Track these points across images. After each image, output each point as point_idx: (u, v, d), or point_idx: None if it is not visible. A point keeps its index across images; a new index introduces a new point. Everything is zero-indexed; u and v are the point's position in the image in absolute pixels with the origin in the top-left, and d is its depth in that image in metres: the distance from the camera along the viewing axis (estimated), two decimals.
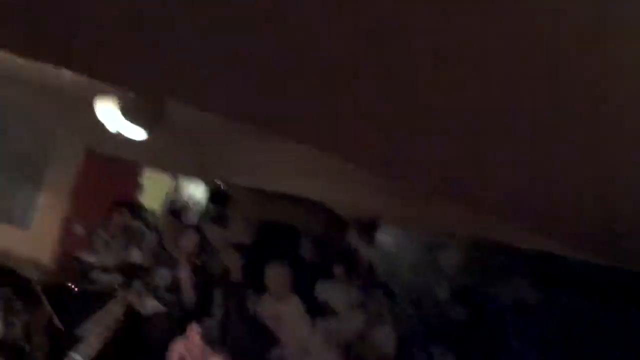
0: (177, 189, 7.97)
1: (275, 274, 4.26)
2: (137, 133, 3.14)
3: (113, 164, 5.14)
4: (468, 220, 2.99)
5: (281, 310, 4.20)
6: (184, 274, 4.65)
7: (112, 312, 2.11)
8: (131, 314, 4.58)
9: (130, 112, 3.03)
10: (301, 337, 4.09)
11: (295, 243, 5.70)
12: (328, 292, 4.77)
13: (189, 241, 5.04)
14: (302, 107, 1.79)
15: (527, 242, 2.99)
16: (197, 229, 5.40)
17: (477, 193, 2.14)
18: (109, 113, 3.09)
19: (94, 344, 1.97)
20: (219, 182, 5.91)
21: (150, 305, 4.71)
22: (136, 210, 5.97)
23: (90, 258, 5.22)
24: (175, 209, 6.80)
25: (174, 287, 4.77)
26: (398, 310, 4.48)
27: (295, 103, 1.76)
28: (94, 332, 2.02)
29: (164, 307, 4.64)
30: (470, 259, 4.58)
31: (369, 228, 5.60)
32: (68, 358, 1.97)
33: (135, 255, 5.65)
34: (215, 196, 7.14)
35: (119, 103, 3.00)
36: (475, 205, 2.45)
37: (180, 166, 5.35)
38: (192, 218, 7.38)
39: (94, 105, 3.08)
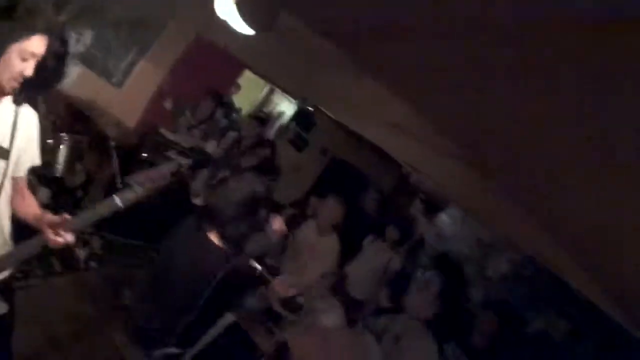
0: (269, 99, 8.00)
1: (328, 207, 4.21)
2: (244, 29, 3.18)
3: (219, 55, 5.15)
4: (532, 234, 2.81)
5: (319, 242, 4.19)
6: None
7: (164, 169, 2.12)
8: (182, 183, 4.67)
9: (243, 7, 3.07)
10: (323, 273, 4.08)
11: (361, 191, 5.64)
12: (373, 249, 4.73)
13: (259, 153, 5.09)
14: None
15: (580, 283, 2.77)
16: (272, 144, 5.41)
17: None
18: (225, 3, 3.13)
19: (137, 193, 1.99)
20: (310, 107, 5.85)
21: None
22: (226, 105, 6.06)
23: (169, 135, 5.36)
24: (261, 118, 6.85)
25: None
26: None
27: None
28: (141, 184, 2.04)
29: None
30: (517, 275, 4.36)
31: (435, 205, 5.44)
32: (110, 199, 1.99)
33: (211, 147, 5.78)
34: (301, 118, 7.12)
35: None
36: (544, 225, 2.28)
37: (278, 77, 5.32)
38: (271, 131, 7.45)
39: None
